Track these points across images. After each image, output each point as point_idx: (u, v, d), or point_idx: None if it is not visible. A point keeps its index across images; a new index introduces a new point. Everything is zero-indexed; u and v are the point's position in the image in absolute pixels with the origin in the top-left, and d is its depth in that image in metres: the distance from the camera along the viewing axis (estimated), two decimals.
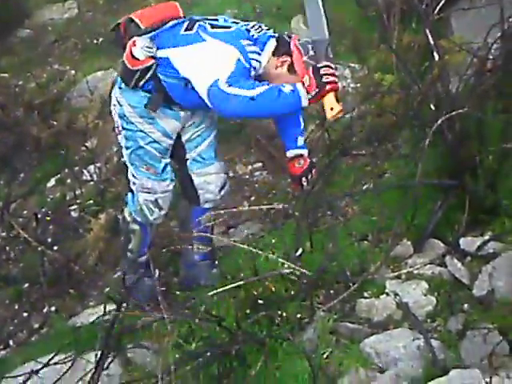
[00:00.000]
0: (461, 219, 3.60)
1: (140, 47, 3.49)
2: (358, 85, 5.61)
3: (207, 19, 3.56)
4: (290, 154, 3.86)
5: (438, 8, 4.60)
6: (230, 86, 3.23)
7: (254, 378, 3.11)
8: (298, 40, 3.50)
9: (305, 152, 3.87)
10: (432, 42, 3.91)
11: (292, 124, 3.85)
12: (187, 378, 3.10)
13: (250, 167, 5.25)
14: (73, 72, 7.12)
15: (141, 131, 3.72)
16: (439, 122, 3.48)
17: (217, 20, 3.56)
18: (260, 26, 3.56)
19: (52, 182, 5.86)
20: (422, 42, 4.47)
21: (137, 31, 3.56)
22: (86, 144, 6.01)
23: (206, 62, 3.36)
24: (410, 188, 3.67)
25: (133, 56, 3.52)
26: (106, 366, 3.18)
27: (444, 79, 3.91)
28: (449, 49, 4.34)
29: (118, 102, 3.74)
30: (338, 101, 3.28)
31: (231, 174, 4.93)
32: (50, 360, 3.35)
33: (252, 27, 3.52)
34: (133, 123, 3.71)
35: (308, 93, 3.23)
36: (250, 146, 5.43)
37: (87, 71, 6.91)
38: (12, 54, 7.82)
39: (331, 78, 3.24)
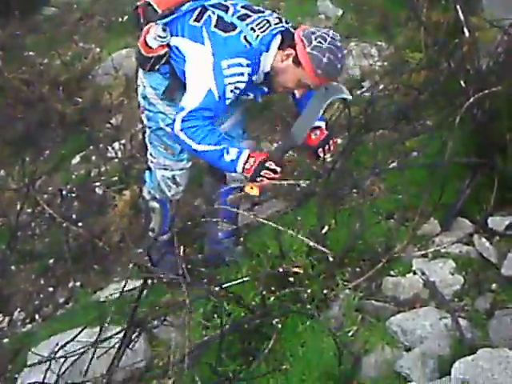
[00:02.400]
0: (489, 198, 3.55)
1: (152, 36, 3.48)
2: (385, 63, 5.56)
3: (219, 7, 3.50)
4: None
5: None
6: (182, 129, 3.38)
7: (278, 355, 3.11)
8: (303, 31, 3.39)
9: (322, 124, 3.76)
10: (462, 19, 3.84)
11: (309, 96, 3.72)
12: (211, 355, 3.10)
13: (275, 145, 5.22)
14: (98, 50, 7.11)
15: (161, 113, 3.73)
16: (471, 100, 3.42)
17: (227, 11, 3.48)
18: (268, 21, 3.46)
19: (77, 158, 5.88)
20: (452, 19, 4.39)
21: (153, 16, 3.54)
22: (111, 121, 6.03)
23: (189, 79, 3.45)
24: (438, 166, 3.62)
25: (146, 43, 3.51)
26: (130, 341, 3.19)
27: (474, 56, 3.85)
28: (479, 26, 4.24)
29: (142, 83, 3.75)
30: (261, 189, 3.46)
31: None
32: (75, 336, 3.36)
33: (258, 25, 3.43)
34: (154, 104, 3.73)
35: (244, 169, 3.39)
36: (275, 123, 5.42)
37: (112, 49, 6.92)
38: (37, 32, 7.82)
39: (267, 177, 3.40)
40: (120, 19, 7.54)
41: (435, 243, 3.52)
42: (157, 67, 3.57)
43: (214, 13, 3.48)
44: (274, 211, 4.48)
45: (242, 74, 3.38)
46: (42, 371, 3.23)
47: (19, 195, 5.36)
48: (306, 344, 3.12)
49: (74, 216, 5.15)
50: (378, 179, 4.08)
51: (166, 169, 3.89)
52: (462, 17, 3.83)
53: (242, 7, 3.53)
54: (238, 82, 3.39)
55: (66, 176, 5.75)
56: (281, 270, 3.32)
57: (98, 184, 5.46)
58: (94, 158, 5.82)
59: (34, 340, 3.88)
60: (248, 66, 3.38)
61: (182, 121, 3.37)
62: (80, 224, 5.02)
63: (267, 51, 3.42)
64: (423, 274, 3.31)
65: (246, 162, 3.39)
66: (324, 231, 3.50)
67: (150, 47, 3.50)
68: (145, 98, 3.75)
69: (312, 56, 3.31)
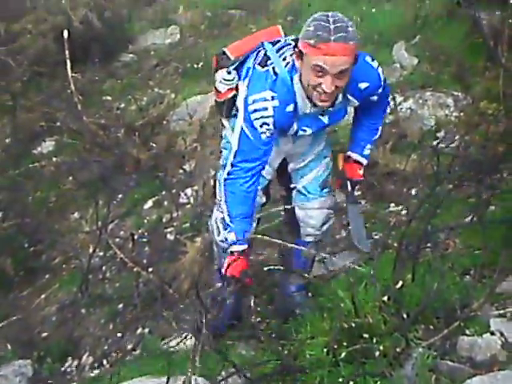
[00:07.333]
0: None
1: (219, 80, 3.55)
2: (462, 114, 5.46)
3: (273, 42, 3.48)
4: (352, 155, 3.77)
5: None
6: (224, 181, 3.51)
7: None
8: None
9: (365, 163, 3.79)
10: None
11: (367, 130, 3.72)
12: None
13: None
14: (173, 95, 7.25)
15: None
16: None
17: (276, 43, 3.46)
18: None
19: (149, 203, 5.95)
20: None
21: (226, 63, 3.58)
22: (184, 167, 6.09)
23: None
24: None
25: (216, 89, 3.61)
26: None
27: None
28: None
29: (222, 124, 3.79)
30: None
31: None
32: None
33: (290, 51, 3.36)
34: (230, 142, 3.68)
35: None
36: None
37: (187, 95, 7.04)
38: (115, 77, 8.05)
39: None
40: (195, 65, 7.68)
41: None
42: (233, 112, 3.57)
43: (264, 48, 3.45)
44: (347, 263, 4.40)
45: (265, 109, 3.31)
46: None
47: (92, 238, 5.44)
48: None
49: (144, 261, 5.16)
50: (453, 234, 3.98)
51: (221, 211, 3.73)
52: None
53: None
54: (262, 116, 3.32)
55: (138, 220, 5.81)
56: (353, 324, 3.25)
57: (169, 230, 5.50)
58: (166, 203, 5.87)
59: None
60: (273, 98, 3.30)
61: (229, 172, 3.48)
62: (150, 269, 5.03)
63: (297, 72, 3.30)
64: (501, 334, 3.18)
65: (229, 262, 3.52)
66: (398, 286, 3.41)
67: (220, 92, 3.57)
68: (224, 137, 3.78)
69: (302, 35, 3.13)
